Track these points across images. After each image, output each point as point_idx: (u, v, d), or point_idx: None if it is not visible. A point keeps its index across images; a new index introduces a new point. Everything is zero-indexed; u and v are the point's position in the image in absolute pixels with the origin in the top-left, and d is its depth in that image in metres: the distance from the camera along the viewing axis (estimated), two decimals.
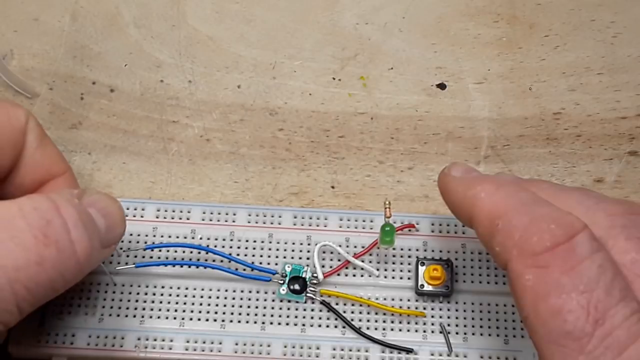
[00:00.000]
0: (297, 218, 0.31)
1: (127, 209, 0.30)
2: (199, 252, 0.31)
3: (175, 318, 0.30)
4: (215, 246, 0.31)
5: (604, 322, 0.21)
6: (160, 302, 0.30)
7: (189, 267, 0.30)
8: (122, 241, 0.31)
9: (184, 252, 0.31)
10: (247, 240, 0.31)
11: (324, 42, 0.38)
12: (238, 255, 0.31)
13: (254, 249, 0.31)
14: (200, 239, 0.31)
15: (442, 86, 0.37)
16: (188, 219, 0.31)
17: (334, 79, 0.37)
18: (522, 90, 0.36)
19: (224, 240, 0.31)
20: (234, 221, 0.31)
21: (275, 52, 0.37)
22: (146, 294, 0.30)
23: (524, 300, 0.22)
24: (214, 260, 0.30)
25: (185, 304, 0.30)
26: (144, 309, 0.30)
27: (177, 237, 0.31)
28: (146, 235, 0.31)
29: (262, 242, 0.31)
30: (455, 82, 0.37)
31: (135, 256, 0.30)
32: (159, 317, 0.30)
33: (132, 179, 0.35)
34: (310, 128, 0.36)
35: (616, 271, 0.22)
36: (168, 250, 0.31)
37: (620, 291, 0.22)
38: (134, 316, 0.30)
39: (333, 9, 0.38)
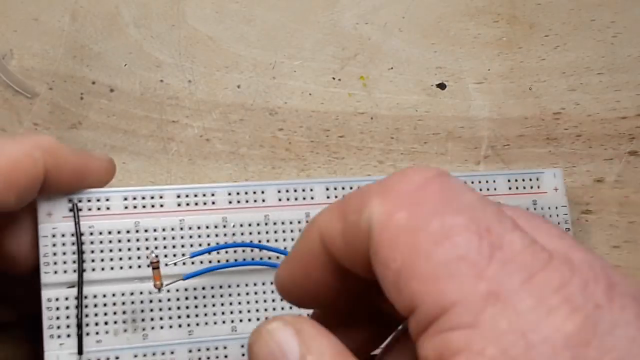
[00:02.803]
0: (330, 190, 0.30)
1: (143, 198, 0.28)
2: (244, 250, 0.29)
3: (224, 322, 0.28)
4: (251, 233, 0.29)
5: (501, 247, 0.16)
6: (213, 305, 0.28)
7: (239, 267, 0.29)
8: (156, 248, 0.28)
9: (226, 252, 0.29)
10: (282, 223, 0.29)
11: (324, 42, 0.38)
12: (277, 241, 0.29)
13: (292, 231, 0.29)
14: (233, 226, 0.29)
15: (442, 86, 0.37)
16: (214, 203, 0.29)
17: (333, 79, 0.37)
18: (522, 90, 0.36)
19: (258, 225, 0.29)
20: (263, 200, 0.29)
21: (275, 52, 0.37)
22: (195, 297, 0.28)
23: (397, 242, 0.17)
24: (261, 258, 0.29)
25: (239, 303, 0.28)
26: (188, 316, 0.28)
27: (207, 227, 0.29)
28: (172, 229, 0.28)
29: (299, 222, 0.29)
30: (455, 82, 0.37)
31: (184, 263, 0.28)
32: (206, 324, 0.28)
33: (132, 179, 0.35)
34: (310, 128, 0.36)
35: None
36: (210, 253, 0.29)
37: (514, 223, 0.17)
38: (179, 326, 0.28)
39: (333, 9, 0.38)
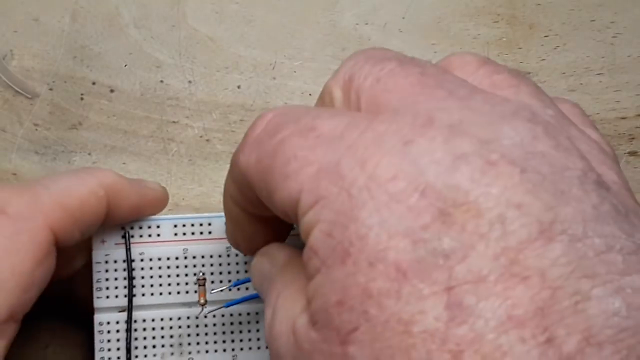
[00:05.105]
0: None
1: (192, 225, 0.29)
2: None
3: (267, 347, 0.28)
4: None
5: (343, 136, 0.19)
6: (257, 331, 0.29)
7: None
8: (203, 274, 0.29)
9: None
10: None
11: (324, 42, 0.38)
12: None
13: None
14: None
15: None
16: None
17: None
18: None
19: None
20: None
21: (275, 52, 0.37)
22: (240, 323, 0.29)
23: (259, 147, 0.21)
24: None
25: None
26: (232, 341, 0.29)
27: None
28: (219, 256, 0.29)
29: None
30: None
31: (230, 289, 0.29)
32: (250, 349, 0.29)
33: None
34: None
35: None
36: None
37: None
38: (224, 350, 0.29)
39: (333, 9, 0.38)
